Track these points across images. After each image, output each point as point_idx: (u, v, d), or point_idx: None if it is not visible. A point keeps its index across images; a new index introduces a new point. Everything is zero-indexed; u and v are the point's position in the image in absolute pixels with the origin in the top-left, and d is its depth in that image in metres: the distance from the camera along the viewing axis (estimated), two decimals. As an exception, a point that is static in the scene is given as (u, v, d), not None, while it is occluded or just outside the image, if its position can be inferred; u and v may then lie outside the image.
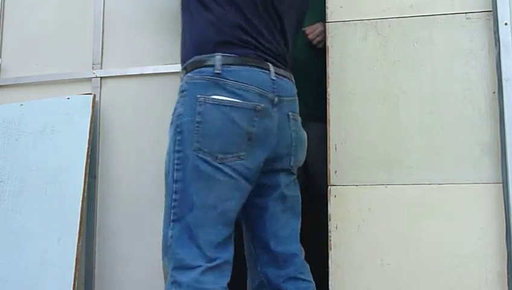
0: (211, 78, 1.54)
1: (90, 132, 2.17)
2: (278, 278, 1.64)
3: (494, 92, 1.80)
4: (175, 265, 1.48)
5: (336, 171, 1.88)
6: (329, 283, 1.83)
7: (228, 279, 1.52)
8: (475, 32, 1.85)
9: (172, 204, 1.52)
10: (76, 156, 2.15)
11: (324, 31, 2.17)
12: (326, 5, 1.97)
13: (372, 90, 1.89)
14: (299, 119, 1.69)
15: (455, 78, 1.84)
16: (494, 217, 1.75)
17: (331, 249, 1.85)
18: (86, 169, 2.13)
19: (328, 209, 1.87)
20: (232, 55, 1.55)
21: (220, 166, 1.50)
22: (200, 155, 1.50)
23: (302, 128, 1.70)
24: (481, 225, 1.76)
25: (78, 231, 2.06)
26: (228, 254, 1.54)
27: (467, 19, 1.86)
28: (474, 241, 1.76)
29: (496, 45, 1.80)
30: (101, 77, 2.29)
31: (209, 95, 1.52)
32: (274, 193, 1.66)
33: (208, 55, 1.55)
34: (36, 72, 2.38)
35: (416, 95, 1.86)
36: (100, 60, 2.31)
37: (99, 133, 2.26)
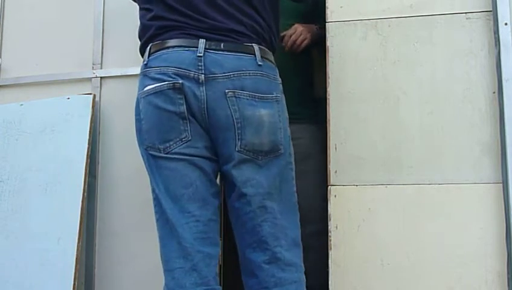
0: (143, 72, 1.53)
1: (90, 132, 2.17)
2: (247, 288, 1.54)
3: (494, 92, 1.80)
4: (164, 267, 1.48)
5: (336, 171, 1.88)
6: (329, 283, 1.83)
7: (215, 269, 1.47)
8: (475, 32, 1.85)
9: (153, 203, 1.52)
10: (76, 156, 2.15)
11: (305, 30, 2.17)
12: (326, 5, 1.96)
13: (372, 90, 1.89)
14: (251, 95, 1.49)
15: (455, 78, 1.84)
16: (494, 217, 1.75)
17: (331, 249, 1.85)
18: (86, 169, 2.13)
19: (328, 209, 1.87)
20: (157, 42, 1.52)
21: (167, 156, 1.47)
22: (149, 152, 1.50)
23: (254, 106, 1.49)
24: (481, 225, 1.76)
25: (78, 231, 2.06)
26: (210, 246, 1.46)
27: (467, 19, 1.86)
28: (474, 241, 1.76)
29: (495, 45, 1.80)
30: (101, 77, 2.29)
31: (142, 89, 1.51)
32: (233, 192, 1.52)
33: (145, 51, 1.56)
34: (36, 72, 2.38)
35: (416, 95, 1.86)
36: (100, 60, 2.31)
37: (99, 133, 2.25)
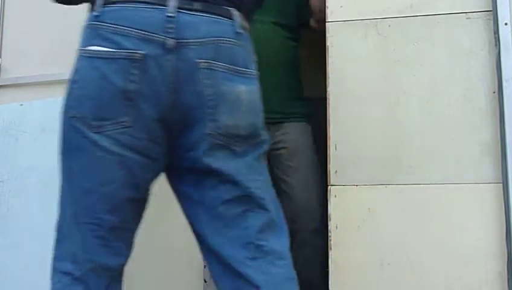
0: (91, 24, 1.23)
1: (90, 131, 2.17)
2: None
3: (494, 92, 1.80)
4: (52, 264, 1.28)
5: (336, 171, 1.88)
6: (329, 282, 1.83)
7: (108, 282, 1.25)
8: (475, 32, 1.84)
9: (60, 185, 1.28)
10: (76, 156, 2.15)
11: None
12: (327, 4, 1.96)
13: (372, 90, 1.89)
14: (228, 68, 1.23)
15: (455, 78, 1.84)
16: (494, 217, 1.75)
17: (331, 249, 1.84)
18: (86, 169, 2.13)
19: (328, 209, 1.86)
20: None
21: (96, 137, 1.19)
22: (73, 123, 1.22)
23: (231, 81, 1.23)
24: (481, 225, 1.76)
25: (78, 231, 2.06)
26: (109, 256, 1.24)
27: (467, 18, 1.86)
28: (474, 241, 1.76)
29: (496, 44, 1.80)
30: (101, 77, 2.29)
31: (86, 46, 1.22)
32: (202, 181, 1.26)
33: None
34: (36, 72, 2.38)
35: (416, 95, 1.86)
36: (100, 60, 2.31)
37: (99, 133, 2.25)
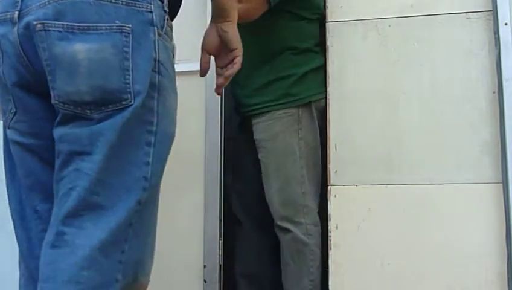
0: None
1: (90, 131, 2.17)
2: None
3: (494, 92, 1.80)
4: None
5: (336, 171, 1.88)
6: (329, 282, 1.83)
7: None
8: (475, 32, 1.85)
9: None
10: (76, 156, 2.15)
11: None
12: (327, 4, 1.97)
13: (372, 90, 1.89)
14: (67, 27, 1.06)
15: (455, 78, 1.84)
16: (494, 217, 1.75)
17: (331, 249, 1.84)
18: (85, 169, 2.13)
19: (328, 209, 1.86)
20: None
21: (8, 132, 1.19)
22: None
23: (68, 40, 1.06)
24: (481, 225, 1.76)
25: (78, 231, 2.06)
26: None
27: (467, 18, 1.86)
28: (474, 241, 1.76)
29: (496, 44, 1.80)
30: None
31: None
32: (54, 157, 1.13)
33: None
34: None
35: (416, 95, 1.86)
36: (100, 60, 2.30)
37: (99, 133, 2.25)
